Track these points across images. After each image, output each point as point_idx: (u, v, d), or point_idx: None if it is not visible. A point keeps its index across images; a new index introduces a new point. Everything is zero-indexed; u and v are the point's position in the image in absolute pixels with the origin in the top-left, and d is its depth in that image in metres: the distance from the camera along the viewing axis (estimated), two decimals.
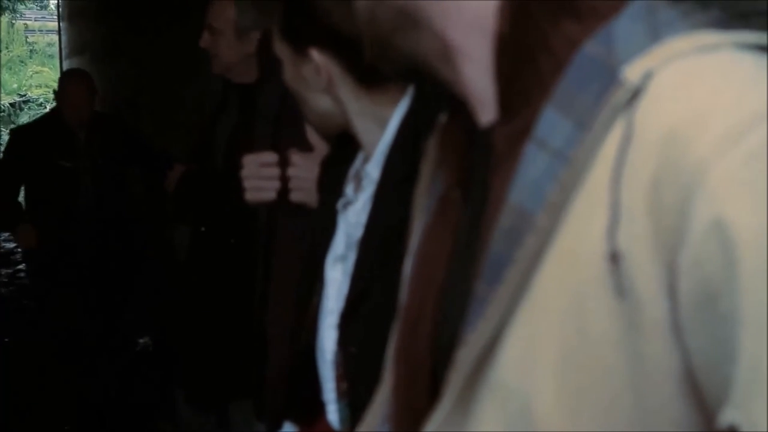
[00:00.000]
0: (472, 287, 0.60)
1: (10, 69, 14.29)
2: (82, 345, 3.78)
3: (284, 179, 1.53)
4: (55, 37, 11.09)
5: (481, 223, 0.62)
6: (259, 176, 1.53)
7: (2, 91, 12.95)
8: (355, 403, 1.14)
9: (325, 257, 1.28)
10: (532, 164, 0.56)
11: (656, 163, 0.50)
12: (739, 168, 0.47)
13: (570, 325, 0.54)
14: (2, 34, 14.78)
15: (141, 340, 4.41)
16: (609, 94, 0.54)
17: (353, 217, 1.23)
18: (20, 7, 17.13)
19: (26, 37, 16.85)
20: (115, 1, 5.89)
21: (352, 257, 1.21)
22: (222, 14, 2.39)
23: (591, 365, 0.53)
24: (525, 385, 0.56)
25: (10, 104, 13.39)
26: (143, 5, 5.16)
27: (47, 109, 13.34)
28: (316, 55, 1.18)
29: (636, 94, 0.53)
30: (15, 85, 14.32)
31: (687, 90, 0.51)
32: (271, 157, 1.54)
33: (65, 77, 4.12)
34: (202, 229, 2.65)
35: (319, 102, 1.24)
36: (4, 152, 4.08)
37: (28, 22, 17.58)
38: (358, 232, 1.19)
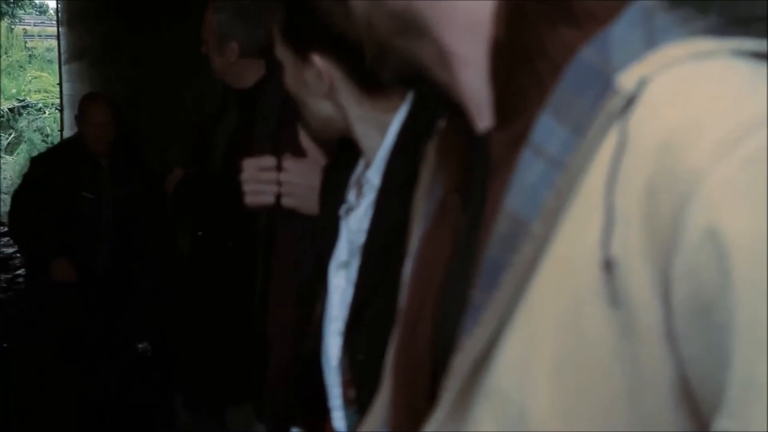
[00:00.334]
0: (471, 291, 0.60)
1: (9, 74, 14.27)
2: (82, 345, 3.76)
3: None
4: (54, 42, 11.09)
5: (480, 227, 0.62)
6: (258, 180, 1.53)
7: (1, 96, 12.94)
8: (364, 410, 1.14)
9: (327, 263, 1.28)
10: (529, 170, 0.56)
11: (651, 171, 0.50)
12: (734, 176, 0.47)
13: (566, 331, 0.54)
14: (1, 39, 14.76)
15: (140, 346, 4.40)
16: (604, 101, 0.54)
17: (355, 224, 1.23)
18: (19, 12, 17.15)
19: (25, 42, 16.84)
20: (114, 3, 5.89)
21: (355, 264, 1.21)
22: (206, 25, 2.48)
23: (586, 371, 0.54)
24: (521, 391, 0.57)
25: (9, 109, 13.37)
26: (143, 5, 5.17)
27: (46, 114, 13.37)
28: (317, 60, 1.18)
29: (631, 100, 0.52)
30: (14, 90, 14.29)
31: (682, 97, 0.51)
32: (270, 161, 1.54)
33: (88, 102, 3.84)
34: (199, 233, 2.66)
35: (321, 107, 1.23)
36: (24, 180, 3.93)
37: (27, 27, 17.58)
38: (361, 239, 1.19)
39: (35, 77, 15.01)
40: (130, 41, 5.68)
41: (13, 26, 16.59)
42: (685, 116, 0.50)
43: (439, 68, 0.66)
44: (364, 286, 1.16)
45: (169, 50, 4.71)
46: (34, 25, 17.89)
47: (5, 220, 4.63)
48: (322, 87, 1.20)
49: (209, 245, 2.60)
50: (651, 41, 0.54)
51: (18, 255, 7.40)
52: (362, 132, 1.21)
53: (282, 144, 1.61)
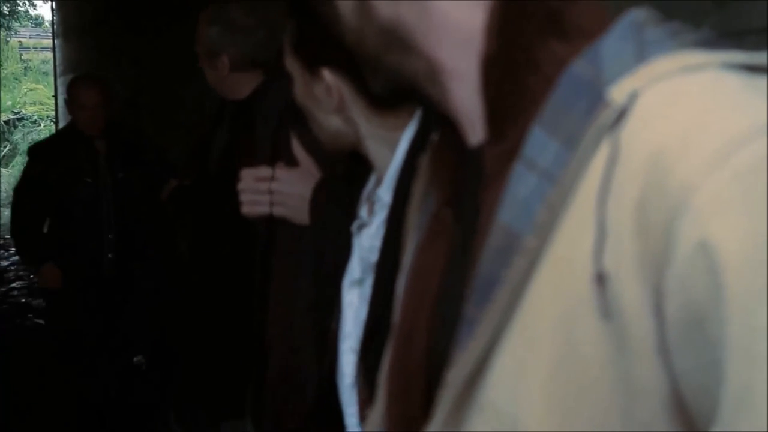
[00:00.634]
0: (464, 304, 0.60)
1: (5, 86, 14.27)
2: (82, 345, 3.74)
3: None
4: (50, 55, 11.11)
5: (473, 241, 0.62)
6: (254, 190, 1.54)
7: None
8: None
9: (340, 280, 1.27)
10: (521, 184, 0.56)
11: (642, 184, 0.50)
12: (725, 189, 0.47)
13: (559, 345, 0.54)
14: None
15: (135, 359, 4.38)
16: (596, 114, 0.54)
17: (367, 241, 1.22)
18: (15, 24, 17.18)
19: (21, 54, 16.86)
20: (113, 9, 5.90)
21: (368, 281, 1.20)
22: (197, 39, 2.50)
23: (579, 385, 0.53)
24: (515, 404, 0.57)
25: (5, 122, 13.38)
26: (143, 5, 5.17)
27: (41, 126, 13.37)
28: (327, 75, 1.18)
29: (622, 114, 0.53)
30: (9, 103, 14.30)
31: (672, 110, 0.51)
32: (266, 171, 1.54)
33: (74, 84, 3.80)
34: (194, 240, 2.67)
35: (330, 121, 1.23)
36: (24, 173, 3.88)
37: (22, 40, 17.61)
38: (373, 256, 1.18)
39: (31, 89, 15.03)
40: (130, 41, 5.68)
41: (8, 39, 16.62)
42: (675, 129, 0.50)
43: (430, 83, 0.66)
44: (378, 303, 1.15)
45: (169, 50, 4.70)
46: (30, 38, 17.91)
47: (3, 232, 4.61)
48: (332, 102, 1.20)
49: (206, 250, 2.61)
50: (641, 54, 0.55)
51: (13, 268, 7.39)
52: (373, 148, 1.21)
53: (276, 153, 1.62)
